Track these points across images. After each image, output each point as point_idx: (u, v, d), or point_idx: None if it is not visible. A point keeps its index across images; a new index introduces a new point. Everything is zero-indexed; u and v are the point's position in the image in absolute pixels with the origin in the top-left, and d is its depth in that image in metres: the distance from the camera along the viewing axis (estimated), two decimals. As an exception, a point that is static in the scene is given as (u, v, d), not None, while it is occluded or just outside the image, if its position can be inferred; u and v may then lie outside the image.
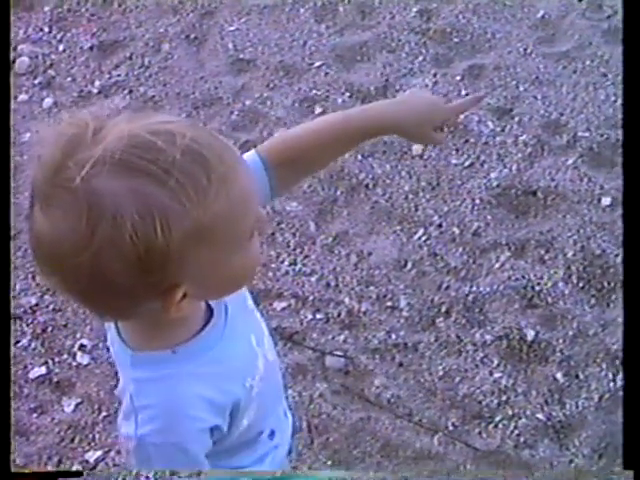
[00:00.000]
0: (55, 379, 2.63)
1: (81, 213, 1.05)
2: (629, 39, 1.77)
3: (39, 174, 1.09)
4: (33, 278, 2.86)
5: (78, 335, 2.70)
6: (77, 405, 2.57)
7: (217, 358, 1.30)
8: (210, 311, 1.30)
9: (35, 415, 2.57)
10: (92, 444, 2.49)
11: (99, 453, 2.46)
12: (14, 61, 3.48)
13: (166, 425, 1.26)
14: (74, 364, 2.65)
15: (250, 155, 1.41)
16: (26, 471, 2.42)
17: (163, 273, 1.09)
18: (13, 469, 2.37)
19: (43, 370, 2.65)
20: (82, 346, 2.68)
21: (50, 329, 2.73)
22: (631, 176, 1.67)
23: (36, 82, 3.42)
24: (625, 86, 1.95)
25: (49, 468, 2.47)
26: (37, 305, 2.79)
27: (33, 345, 2.70)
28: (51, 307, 2.78)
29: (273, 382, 1.47)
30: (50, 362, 2.66)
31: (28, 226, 1.12)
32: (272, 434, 1.53)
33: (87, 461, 2.46)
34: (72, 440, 2.51)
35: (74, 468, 2.46)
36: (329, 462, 2.42)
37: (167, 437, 1.26)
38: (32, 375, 2.64)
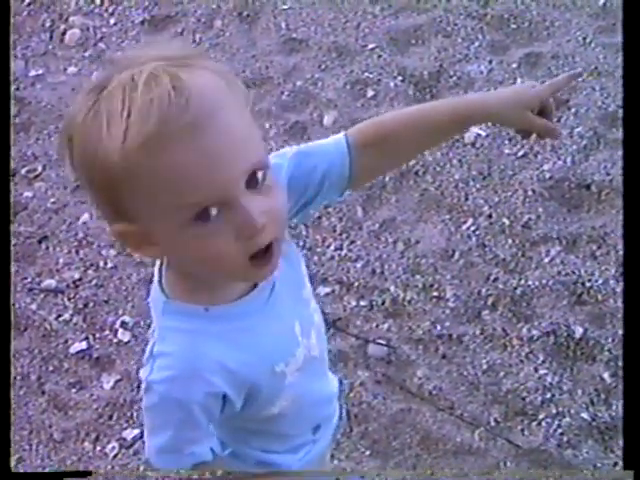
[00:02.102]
0: (95, 355, 2.62)
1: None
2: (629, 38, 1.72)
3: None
4: (77, 252, 2.85)
5: (120, 312, 2.69)
6: (116, 382, 2.56)
7: (248, 329, 1.28)
8: (255, 284, 1.28)
9: (74, 390, 2.56)
10: (130, 422, 2.48)
11: (136, 431, 2.44)
12: (64, 33, 3.47)
13: (177, 378, 1.25)
14: (115, 341, 2.64)
15: (338, 135, 1.39)
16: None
17: (105, 195, 1.14)
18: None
19: (84, 345, 2.64)
20: (123, 323, 2.66)
21: (92, 304, 2.72)
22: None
23: (86, 55, 3.40)
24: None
25: (86, 445, 2.46)
26: (80, 280, 2.78)
27: (75, 320, 2.70)
28: (94, 282, 2.77)
29: (317, 377, 1.43)
30: (91, 338, 2.65)
31: None
32: (317, 428, 1.50)
33: (124, 439, 2.45)
34: (110, 417, 2.50)
35: (111, 445, 2.45)
36: (367, 452, 2.39)
37: (174, 390, 1.25)
38: (72, 350, 2.64)
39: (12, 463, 2.45)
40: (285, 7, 3.42)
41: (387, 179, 2.90)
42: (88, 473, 2.34)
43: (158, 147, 1.06)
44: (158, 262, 1.31)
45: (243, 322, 1.27)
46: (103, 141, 1.07)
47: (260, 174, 1.14)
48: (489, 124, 2.97)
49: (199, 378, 1.25)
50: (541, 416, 2.41)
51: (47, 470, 2.42)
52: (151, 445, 1.35)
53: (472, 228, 2.77)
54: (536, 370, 2.48)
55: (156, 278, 1.29)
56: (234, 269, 1.18)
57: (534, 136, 1.49)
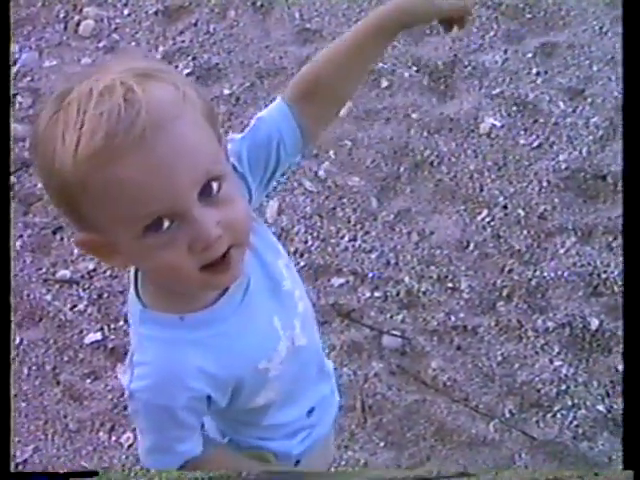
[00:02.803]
0: (110, 345, 2.62)
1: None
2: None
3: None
4: (91, 243, 2.85)
5: (134, 302, 2.69)
6: (131, 373, 2.56)
7: (225, 333, 1.28)
8: (227, 289, 1.28)
9: (89, 381, 2.57)
10: (144, 413, 2.48)
11: (151, 422, 2.44)
12: (79, 24, 3.47)
13: (157, 386, 1.26)
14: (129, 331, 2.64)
15: (275, 101, 1.36)
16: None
17: (62, 202, 1.15)
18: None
19: (98, 336, 2.64)
20: (138, 314, 2.66)
21: (107, 295, 2.73)
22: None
23: (100, 45, 3.39)
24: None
25: (101, 435, 2.47)
26: (94, 270, 2.78)
27: (89, 310, 2.70)
28: (108, 273, 2.77)
29: (302, 366, 1.42)
30: (106, 328, 2.66)
31: None
32: (311, 411, 1.50)
33: (139, 429, 2.45)
34: (125, 407, 2.49)
35: (126, 436, 2.45)
36: (382, 443, 2.39)
37: (156, 398, 1.26)
38: (87, 340, 2.64)
39: (28, 453, 2.47)
40: (299, -3, 3.41)
41: (402, 169, 2.89)
42: (95, 473, 2.35)
43: (106, 160, 1.07)
44: (132, 270, 1.31)
45: (219, 327, 1.27)
46: (58, 151, 1.09)
47: (215, 185, 1.13)
48: (504, 114, 2.97)
49: (180, 385, 1.26)
50: (556, 408, 2.40)
51: (54, 470, 2.43)
52: (141, 447, 1.37)
53: (487, 219, 2.76)
54: (551, 362, 2.48)
55: (132, 286, 1.29)
56: (189, 280, 1.18)
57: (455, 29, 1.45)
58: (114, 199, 1.09)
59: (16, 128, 3.16)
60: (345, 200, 2.84)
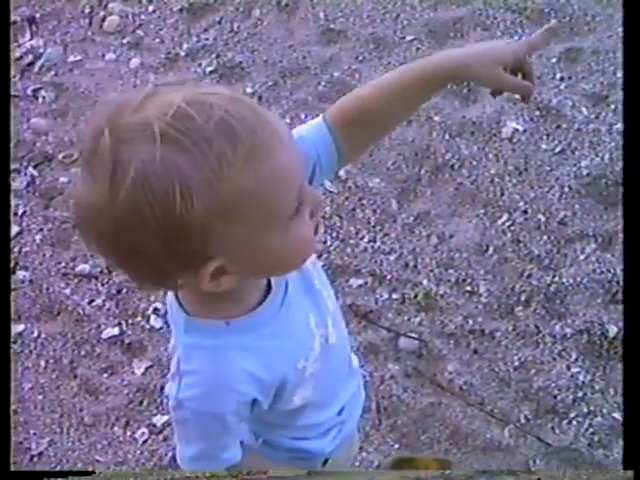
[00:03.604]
0: (127, 341, 2.63)
1: (105, 179, 1.05)
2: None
3: (84, 140, 1.10)
4: (111, 238, 2.86)
5: (152, 298, 2.70)
6: (147, 368, 2.57)
7: (270, 335, 1.28)
8: (269, 287, 1.28)
9: (105, 375, 2.58)
10: (160, 408, 2.49)
11: (166, 418, 2.45)
12: (104, 19, 3.48)
13: (207, 394, 1.26)
14: (147, 327, 2.65)
15: (316, 120, 1.37)
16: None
17: (188, 244, 1.08)
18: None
19: (116, 331, 2.65)
20: (156, 310, 2.67)
21: (125, 290, 2.74)
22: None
23: (124, 42, 3.41)
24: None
25: (116, 430, 2.48)
26: (113, 265, 2.79)
27: (107, 305, 2.71)
28: (127, 268, 2.78)
29: (334, 364, 1.43)
30: (123, 323, 2.67)
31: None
32: (341, 410, 1.51)
33: (154, 425, 2.47)
34: (140, 403, 2.51)
35: (141, 431, 2.46)
36: (396, 445, 2.38)
37: (206, 405, 1.26)
38: (104, 335, 2.65)
39: (44, 446, 2.48)
40: (324, -3, 3.41)
41: (422, 172, 2.88)
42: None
43: (260, 157, 1.07)
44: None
45: (263, 329, 1.28)
46: (195, 179, 1.05)
47: None
48: (527, 119, 2.96)
49: (229, 390, 1.26)
50: (572, 415, 2.39)
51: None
52: (184, 454, 1.36)
53: (507, 223, 2.75)
54: (568, 368, 2.46)
55: (171, 296, 1.29)
56: (310, 251, 1.24)
57: (505, 94, 1.47)
58: (267, 196, 1.09)
59: (39, 122, 3.19)
60: (365, 201, 2.84)
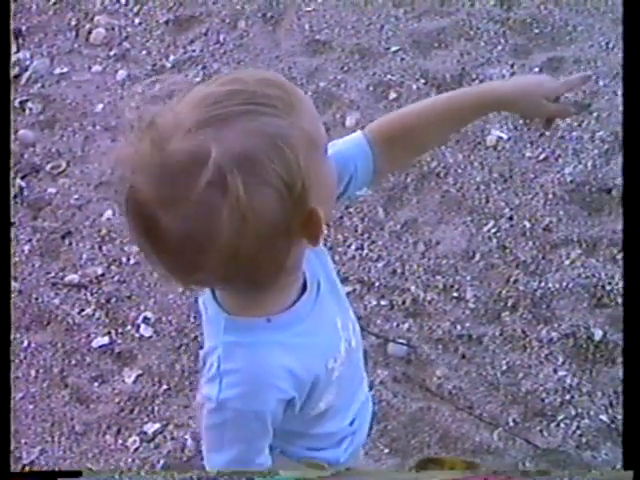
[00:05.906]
0: (117, 350, 2.64)
1: (216, 198, 1.10)
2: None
3: (139, 181, 1.12)
4: (100, 248, 2.87)
5: (142, 307, 2.71)
6: (138, 377, 2.58)
7: (304, 332, 1.30)
8: (304, 286, 1.31)
9: (96, 384, 2.59)
10: (151, 416, 2.50)
11: (157, 425, 2.47)
12: (90, 32, 3.50)
13: (250, 391, 1.27)
14: (137, 336, 2.66)
15: (356, 134, 1.42)
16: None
17: (305, 197, 1.15)
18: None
19: (106, 340, 2.66)
20: (146, 318, 2.69)
21: (114, 300, 2.75)
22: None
23: (111, 54, 3.43)
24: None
25: (107, 438, 2.48)
26: (103, 275, 2.80)
27: (97, 315, 2.72)
28: (116, 278, 2.79)
29: (354, 368, 1.46)
30: (113, 332, 2.68)
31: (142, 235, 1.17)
32: (353, 421, 1.52)
33: (145, 432, 2.48)
34: (131, 411, 2.52)
35: (132, 439, 2.47)
36: (386, 450, 2.40)
37: (249, 403, 1.27)
38: (95, 344, 2.66)
39: (35, 455, 2.48)
40: (309, 9, 3.44)
41: (409, 180, 2.91)
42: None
43: (316, 157, 1.18)
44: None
45: (300, 326, 1.30)
46: (295, 122, 1.16)
47: None
48: (511, 127, 3.00)
49: (271, 387, 1.28)
50: (560, 417, 2.42)
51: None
52: (217, 462, 1.35)
53: (493, 230, 2.78)
54: (555, 372, 2.49)
55: (207, 299, 1.31)
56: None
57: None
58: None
59: (27, 134, 3.20)
60: (352, 210, 2.87)
